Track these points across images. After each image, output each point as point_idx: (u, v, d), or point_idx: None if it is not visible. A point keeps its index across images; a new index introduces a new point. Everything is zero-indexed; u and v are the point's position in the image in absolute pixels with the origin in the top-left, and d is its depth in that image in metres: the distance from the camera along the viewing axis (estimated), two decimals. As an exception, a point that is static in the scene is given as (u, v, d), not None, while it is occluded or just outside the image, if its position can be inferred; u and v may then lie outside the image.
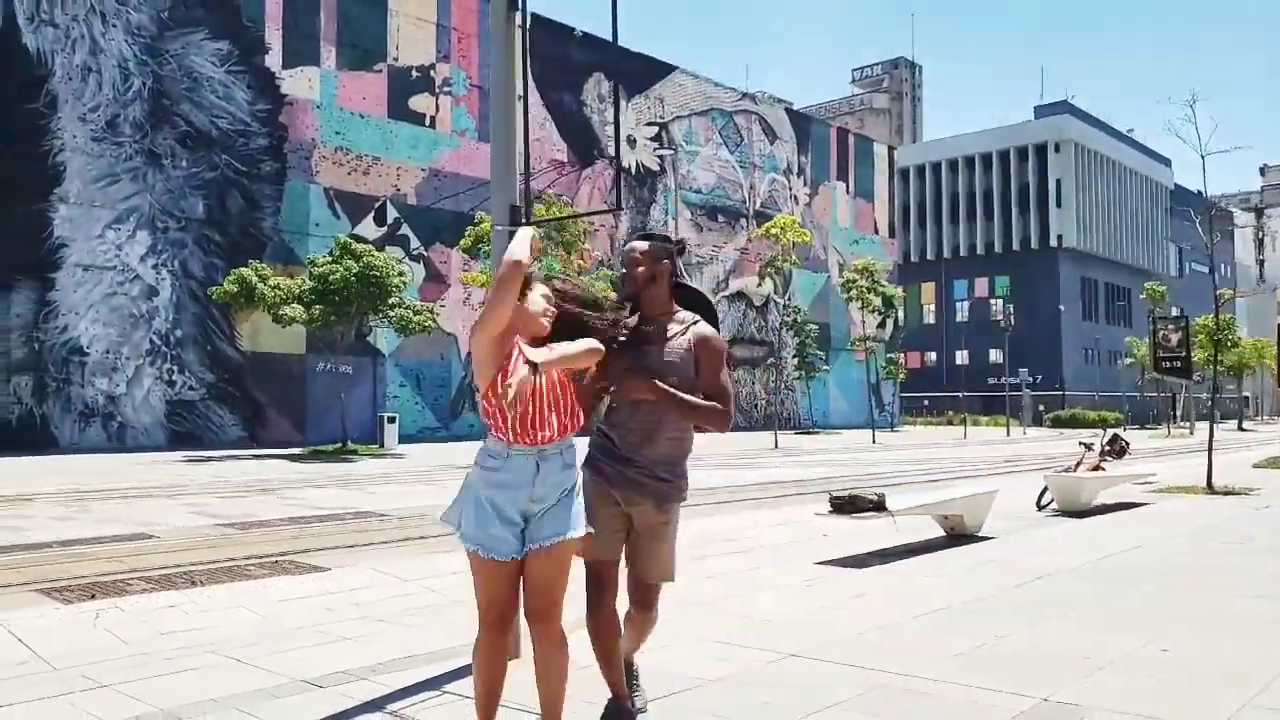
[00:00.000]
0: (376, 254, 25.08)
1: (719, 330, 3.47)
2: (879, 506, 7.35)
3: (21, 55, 26.41)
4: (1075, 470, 11.40)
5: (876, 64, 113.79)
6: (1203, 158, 14.59)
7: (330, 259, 24.85)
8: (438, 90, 35.84)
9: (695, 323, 3.39)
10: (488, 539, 2.98)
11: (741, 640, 4.91)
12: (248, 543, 8.59)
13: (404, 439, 29.66)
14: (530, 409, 2.99)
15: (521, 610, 3.15)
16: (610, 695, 3.43)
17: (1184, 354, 16.54)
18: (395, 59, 34.94)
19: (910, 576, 6.79)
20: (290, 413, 31.06)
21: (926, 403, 75.05)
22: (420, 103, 35.66)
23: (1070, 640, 4.87)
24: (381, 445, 27.04)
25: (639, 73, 45.52)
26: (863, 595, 6.11)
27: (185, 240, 29.13)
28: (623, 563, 3.45)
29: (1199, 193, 47.58)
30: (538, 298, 3.06)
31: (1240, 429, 60.75)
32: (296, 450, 25.69)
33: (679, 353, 3.32)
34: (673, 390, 3.21)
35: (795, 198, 53.87)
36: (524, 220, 4.93)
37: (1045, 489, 11.19)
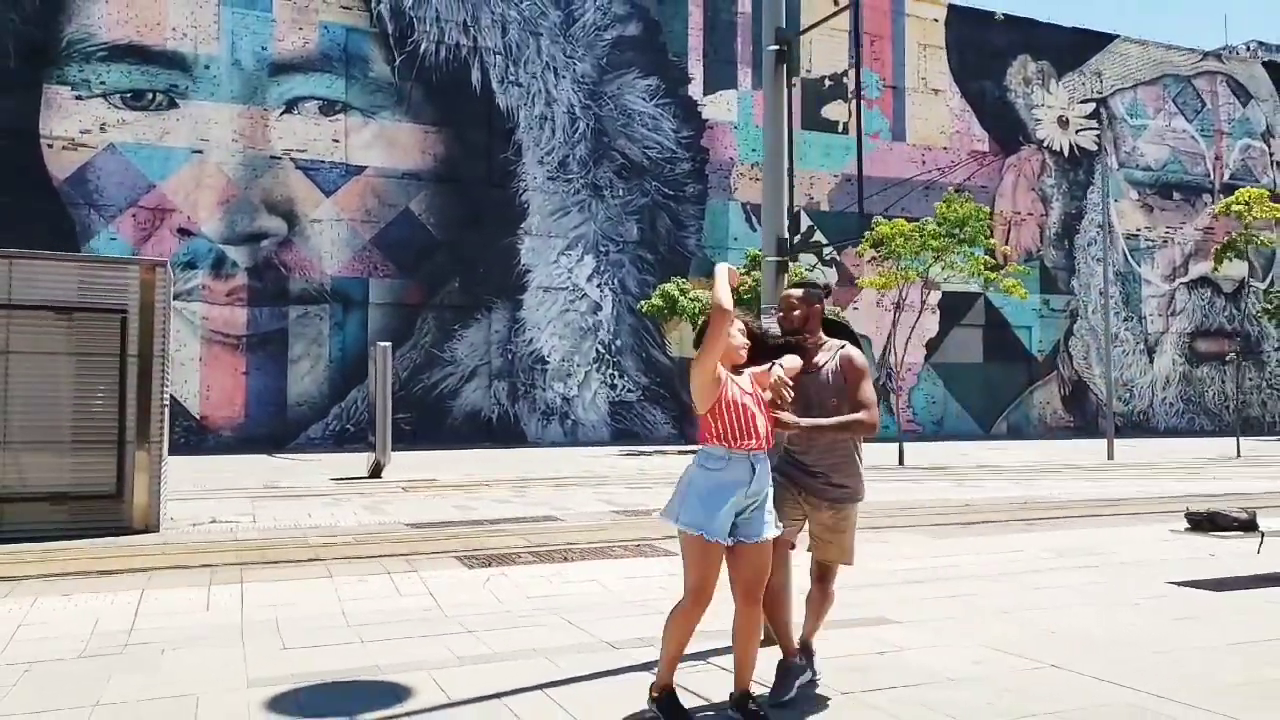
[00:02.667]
0: (782, 263, 26.25)
1: (860, 350, 4.07)
2: (1247, 526, 6.55)
3: (496, 113, 31.72)
4: None
5: None
6: None
7: (742, 270, 26.56)
8: (850, 96, 36.29)
9: (842, 347, 3.99)
10: (712, 526, 3.64)
11: (1012, 648, 4.91)
12: (626, 527, 9.89)
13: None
14: (741, 421, 3.63)
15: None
16: (781, 655, 4.19)
17: None
18: (809, 70, 36.01)
19: (1274, 605, 6.03)
20: (713, 413, 33.53)
21: None
22: (833, 110, 36.42)
23: None
24: (793, 446, 28.20)
25: (1071, 47, 42.06)
26: (1192, 619, 5.62)
27: (623, 261, 32.83)
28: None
29: None
30: (735, 332, 3.71)
31: None
32: (715, 449, 27.78)
33: (832, 375, 3.97)
34: (814, 421, 3.82)
35: (1278, 164, 45.96)
36: (790, 254, 5.39)
37: None
